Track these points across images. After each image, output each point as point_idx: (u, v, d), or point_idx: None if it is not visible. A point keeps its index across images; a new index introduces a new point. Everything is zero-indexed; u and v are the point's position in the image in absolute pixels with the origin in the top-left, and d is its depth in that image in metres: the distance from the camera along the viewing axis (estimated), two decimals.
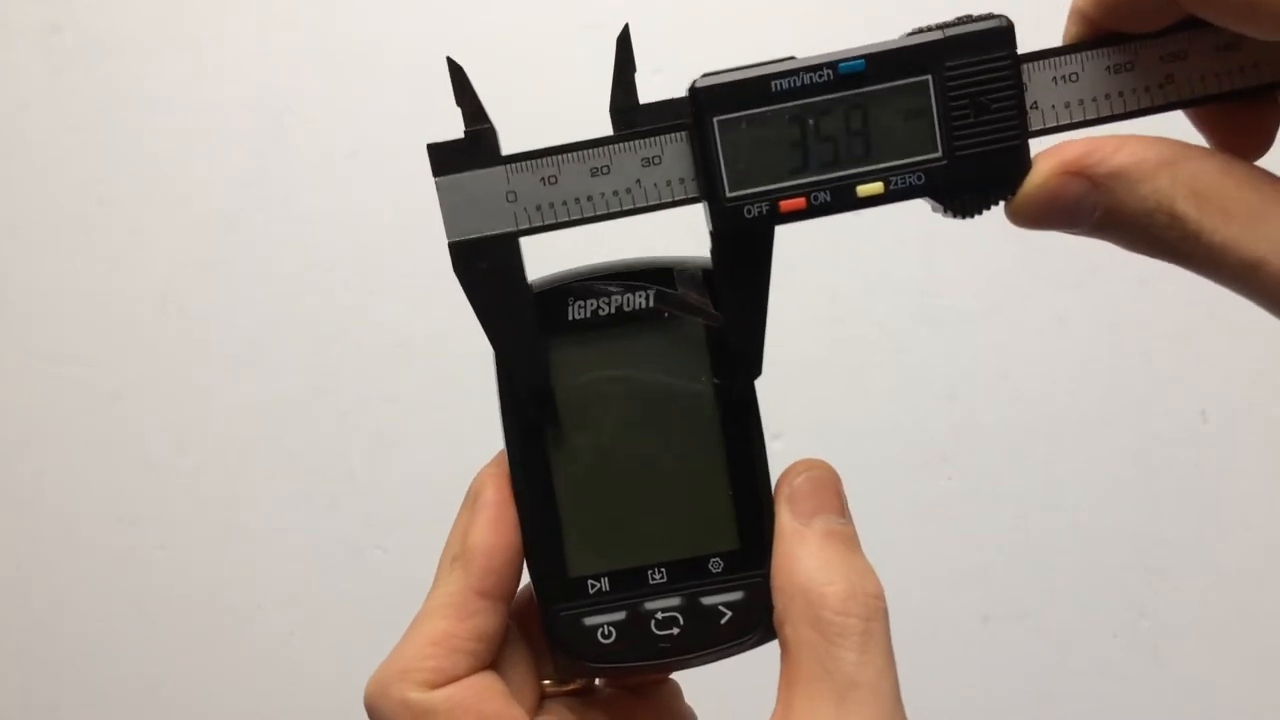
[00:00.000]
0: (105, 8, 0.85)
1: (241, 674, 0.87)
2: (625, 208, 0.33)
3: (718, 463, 0.34)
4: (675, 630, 0.34)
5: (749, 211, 0.32)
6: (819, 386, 0.81)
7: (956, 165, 0.31)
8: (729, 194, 0.32)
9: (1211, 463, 0.82)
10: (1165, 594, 0.83)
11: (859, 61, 0.31)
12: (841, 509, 0.33)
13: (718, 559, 0.34)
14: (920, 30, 0.32)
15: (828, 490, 0.33)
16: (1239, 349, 0.82)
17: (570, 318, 0.34)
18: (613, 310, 0.34)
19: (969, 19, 0.31)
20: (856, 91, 0.31)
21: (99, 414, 0.87)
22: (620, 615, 0.34)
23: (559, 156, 0.32)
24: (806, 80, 0.31)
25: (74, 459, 0.87)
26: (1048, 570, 0.83)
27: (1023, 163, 0.31)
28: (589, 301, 0.34)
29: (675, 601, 0.34)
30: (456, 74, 0.33)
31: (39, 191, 0.86)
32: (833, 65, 0.31)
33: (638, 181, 0.33)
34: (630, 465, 0.35)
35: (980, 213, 0.32)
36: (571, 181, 0.32)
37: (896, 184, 0.31)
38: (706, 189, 0.32)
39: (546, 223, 0.33)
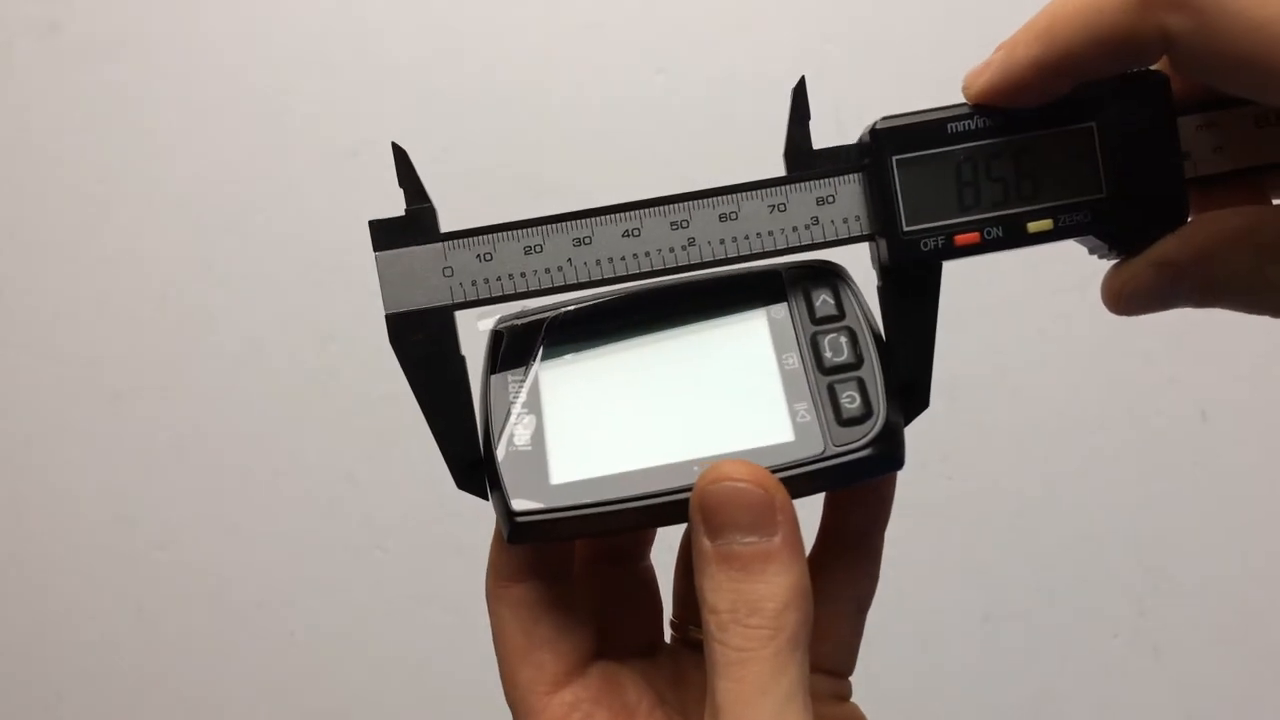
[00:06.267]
0: (105, 7, 0.85)
1: (241, 674, 0.87)
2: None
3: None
4: None
5: (925, 245, 0.34)
6: None
7: (1120, 204, 0.33)
8: (906, 227, 0.34)
9: (1211, 463, 0.82)
10: (1165, 594, 0.83)
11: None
12: (749, 525, 0.31)
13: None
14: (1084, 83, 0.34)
15: (731, 506, 0.31)
16: (1239, 349, 0.82)
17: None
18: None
19: (1129, 75, 0.33)
20: (1026, 135, 0.33)
21: (99, 414, 0.87)
22: None
23: (494, 235, 0.34)
24: (980, 124, 0.33)
25: (74, 459, 0.87)
26: (1048, 570, 0.83)
27: (1182, 201, 0.33)
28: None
29: None
30: (400, 158, 0.34)
31: (39, 191, 0.86)
32: (1005, 110, 0.33)
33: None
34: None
35: (1140, 247, 0.33)
36: (506, 257, 0.34)
37: (1065, 221, 0.33)
38: (884, 223, 0.34)
39: (481, 296, 0.34)
